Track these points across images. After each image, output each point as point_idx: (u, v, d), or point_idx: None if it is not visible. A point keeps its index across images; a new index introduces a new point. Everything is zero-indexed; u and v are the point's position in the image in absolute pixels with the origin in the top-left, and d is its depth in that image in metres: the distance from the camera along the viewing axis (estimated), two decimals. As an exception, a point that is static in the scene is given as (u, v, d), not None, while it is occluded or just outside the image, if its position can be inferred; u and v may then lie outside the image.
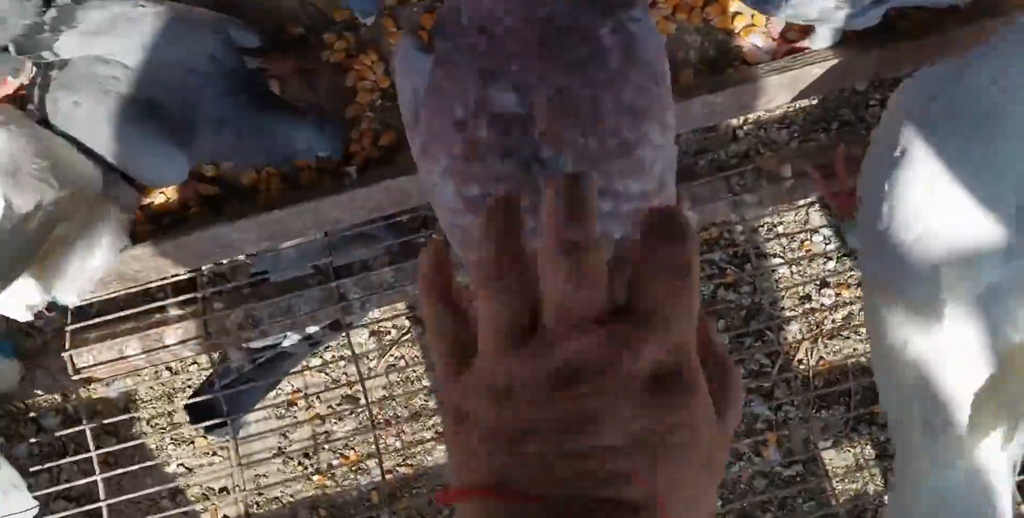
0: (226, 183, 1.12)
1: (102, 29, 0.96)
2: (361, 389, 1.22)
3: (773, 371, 1.42)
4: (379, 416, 1.45)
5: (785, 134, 1.36)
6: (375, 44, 1.09)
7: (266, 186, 1.11)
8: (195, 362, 1.45)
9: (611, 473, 0.28)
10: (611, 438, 0.28)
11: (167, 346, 1.17)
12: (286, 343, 1.26)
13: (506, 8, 0.60)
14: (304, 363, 1.38)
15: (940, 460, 0.78)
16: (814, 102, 1.34)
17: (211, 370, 1.26)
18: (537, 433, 0.28)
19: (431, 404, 1.45)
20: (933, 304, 0.76)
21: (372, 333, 1.46)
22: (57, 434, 1.37)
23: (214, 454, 1.49)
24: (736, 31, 1.07)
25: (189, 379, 1.48)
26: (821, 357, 1.43)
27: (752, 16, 1.07)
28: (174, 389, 1.49)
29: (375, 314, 1.38)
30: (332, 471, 1.48)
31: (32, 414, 1.45)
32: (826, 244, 1.42)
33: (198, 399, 1.24)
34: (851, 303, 1.42)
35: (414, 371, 1.48)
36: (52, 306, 1.07)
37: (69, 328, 1.18)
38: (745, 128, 1.36)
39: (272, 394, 1.39)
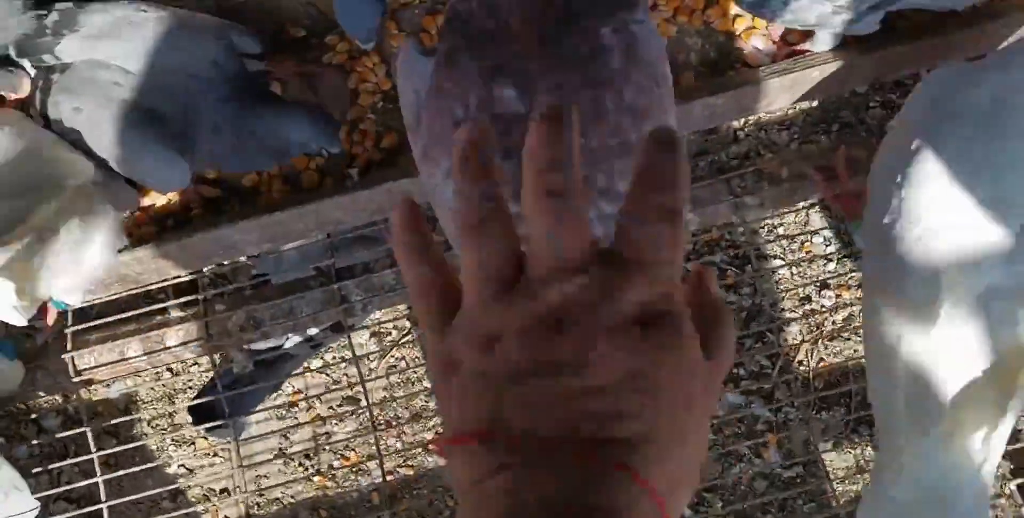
0: (228, 185, 1.12)
1: (104, 33, 0.96)
2: (362, 390, 1.22)
3: (773, 373, 1.42)
4: (380, 417, 1.45)
5: (786, 136, 1.36)
6: (377, 46, 1.09)
7: (268, 188, 1.11)
8: (196, 363, 1.45)
9: (601, 413, 0.28)
10: (599, 378, 0.28)
11: (168, 348, 1.18)
12: (288, 345, 1.26)
13: (509, 7, 0.60)
14: (305, 364, 1.39)
15: (924, 454, 0.79)
16: (814, 104, 1.34)
17: (212, 371, 1.26)
18: (526, 377, 0.29)
19: (432, 405, 1.45)
20: (932, 303, 0.77)
21: (373, 334, 1.47)
22: (58, 435, 1.37)
23: (215, 455, 1.49)
24: (737, 34, 1.08)
25: (190, 380, 1.49)
26: (821, 359, 1.43)
27: (753, 19, 1.07)
28: (175, 390, 1.49)
29: (376, 315, 1.38)
30: (333, 472, 1.48)
31: (33, 415, 1.46)
32: (827, 246, 1.42)
33: (201, 401, 1.24)
34: (851, 305, 1.42)
35: (415, 372, 1.48)
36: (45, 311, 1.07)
37: (70, 330, 1.18)
38: (746, 130, 1.36)
39: (273, 395, 1.40)
